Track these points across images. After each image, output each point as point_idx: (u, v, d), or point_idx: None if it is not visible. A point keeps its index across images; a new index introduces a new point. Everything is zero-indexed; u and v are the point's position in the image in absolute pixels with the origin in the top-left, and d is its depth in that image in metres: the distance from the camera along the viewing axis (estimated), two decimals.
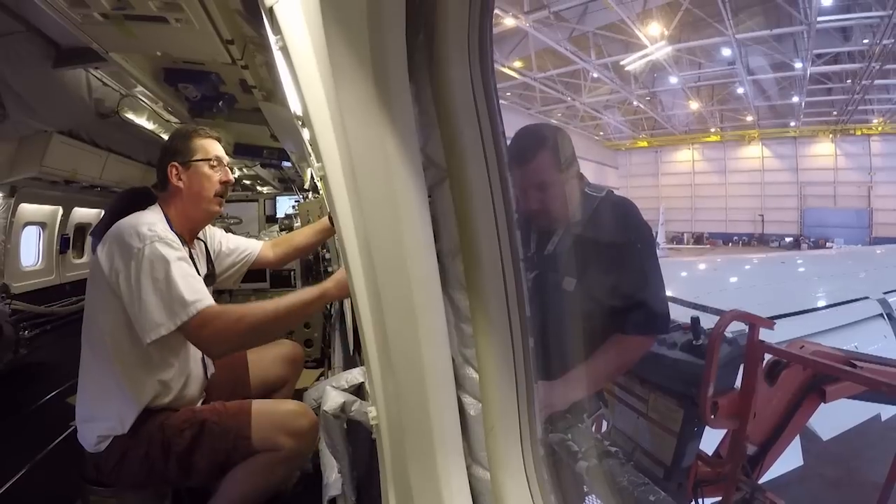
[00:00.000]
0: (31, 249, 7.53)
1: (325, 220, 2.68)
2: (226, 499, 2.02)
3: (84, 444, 2.00)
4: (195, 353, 2.19)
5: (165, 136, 6.72)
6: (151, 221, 1.96)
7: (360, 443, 1.83)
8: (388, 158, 0.75)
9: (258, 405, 2.12)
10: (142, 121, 6.05)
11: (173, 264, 1.85)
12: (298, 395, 2.29)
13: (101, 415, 1.96)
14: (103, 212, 9.26)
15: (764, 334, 2.55)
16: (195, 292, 1.84)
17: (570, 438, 1.03)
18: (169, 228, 2.02)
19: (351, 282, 0.85)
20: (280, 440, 2.02)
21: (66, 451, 3.99)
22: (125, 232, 1.90)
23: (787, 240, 39.95)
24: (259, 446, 2.00)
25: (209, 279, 2.32)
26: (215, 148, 2.21)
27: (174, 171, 2.13)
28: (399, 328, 0.82)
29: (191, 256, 2.14)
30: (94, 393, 1.99)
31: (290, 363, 2.68)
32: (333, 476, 1.94)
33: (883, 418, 4.06)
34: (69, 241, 8.31)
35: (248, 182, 10.83)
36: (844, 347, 3.09)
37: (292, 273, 4.73)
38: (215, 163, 2.18)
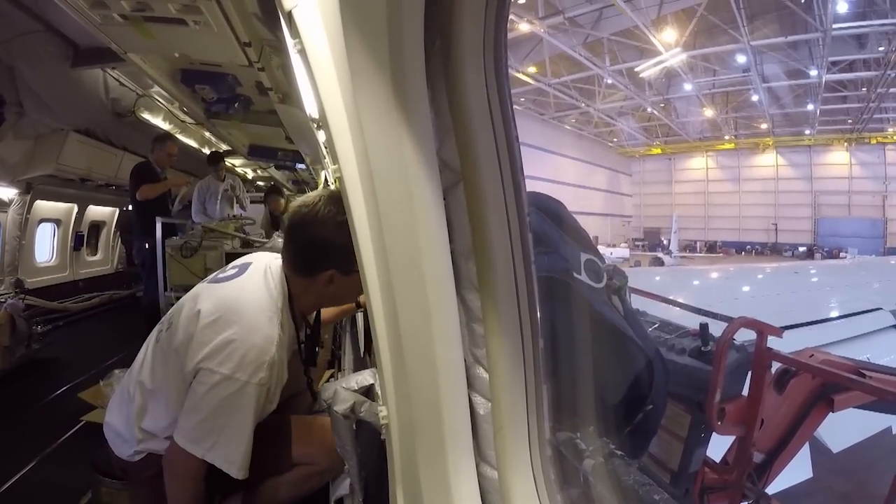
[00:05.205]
0: (45, 246, 7.63)
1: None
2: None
3: (117, 452, 1.94)
4: None
5: (181, 137, 6.75)
6: (268, 336, 1.76)
7: (368, 443, 1.84)
8: (404, 161, 0.77)
9: (297, 420, 2.09)
10: (157, 121, 6.12)
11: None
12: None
13: (146, 440, 1.89)
14: (117, 210, 9.37)
15: (772, 342, 2.54)
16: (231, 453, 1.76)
17: (577, 437, 1.04)
18: (287, 314, 1.90)
19: (365, 282, 0.86)
20: (316, 455, 1.99)
21: (75, 445, 4.05)
22: (233, 341, 1.72)
23: (801, 249, 39.70)
24: (296, 460, 2.00)
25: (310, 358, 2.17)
26: None
27: (329, 276, 1.85)
28: (413, 327, 0.83)
29: (298, 335, 2.02)
30: (150, 423, 1.90)
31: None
32: (341, 476, 1.96)
33: (894, 431, 4.03)
34: (83, 238, 8.41)
35: (261, 184, 10.93)
36: (857, 358, 3.06)
37: None
38: None
